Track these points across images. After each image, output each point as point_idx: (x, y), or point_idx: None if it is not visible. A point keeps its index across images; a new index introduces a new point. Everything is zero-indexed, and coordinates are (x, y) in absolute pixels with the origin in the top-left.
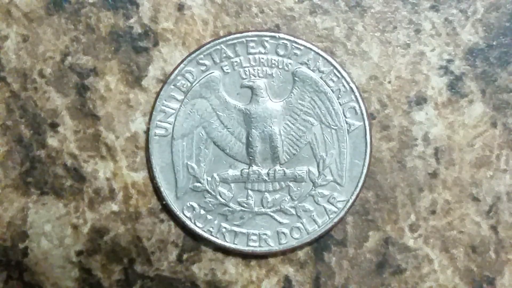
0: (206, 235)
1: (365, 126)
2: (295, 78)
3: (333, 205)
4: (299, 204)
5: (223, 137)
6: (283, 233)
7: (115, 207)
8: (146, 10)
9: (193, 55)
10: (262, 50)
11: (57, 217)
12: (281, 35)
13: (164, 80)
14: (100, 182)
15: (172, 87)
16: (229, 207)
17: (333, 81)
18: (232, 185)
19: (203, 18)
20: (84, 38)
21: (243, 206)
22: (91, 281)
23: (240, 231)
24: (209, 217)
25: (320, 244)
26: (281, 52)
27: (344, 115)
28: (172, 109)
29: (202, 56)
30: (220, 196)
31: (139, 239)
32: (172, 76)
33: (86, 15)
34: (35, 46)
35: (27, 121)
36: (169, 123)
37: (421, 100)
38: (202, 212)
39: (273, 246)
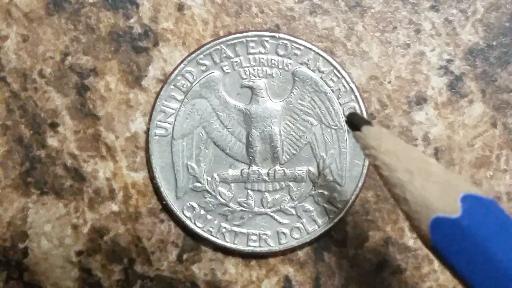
0: (206, 235)
1: None
2: (295, 78)
3: (333, 205)
4: (299, 204)
5: (223, 137)
6: (283, 233)
7: (115, 207)
8: (146, 10)
9: (193, 55)
10: (262, 50)
11: (57, 217)
12: (281, 35)
13: (164, 80)
14: (100, 182)
15: (172, 87)
16: (229, 207)
17: (333, 81)
18: (232, 185)
19: (203, 18)
20: (84, 38)
21: (243, 206)
22: (91, 281)
23: (240, 231)
24: (209, 217)
25: (320, 244)
26: (281, 52)
27: (344, 115)
28: (172, 109)
29: (202, 56)
30: (220, 196)
31: (139, 239)
32: (172, 76)
33: (86, 15)
34: (35, 46)
35: (27, 121)
36: (169, 123)
37: (421, 100)
38: (202, 212)
39: (273, 246)
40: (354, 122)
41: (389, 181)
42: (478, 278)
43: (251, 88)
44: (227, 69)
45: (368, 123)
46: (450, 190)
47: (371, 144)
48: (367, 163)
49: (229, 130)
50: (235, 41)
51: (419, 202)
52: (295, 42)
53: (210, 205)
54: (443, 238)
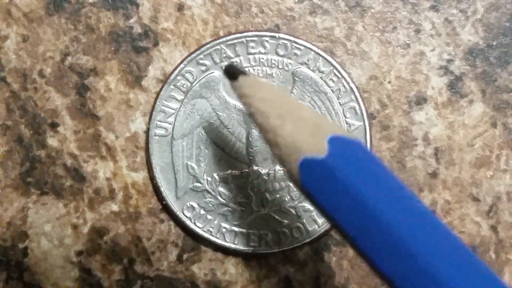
0: (206, 235)
1: (365, 126)
2: (295, 78)
3: None
4: (299, 204)
5: (223, 137)
6: (283, 233)
7: (115, 207)
8: (146, 10)
9: (193, 55)
10: (262, 50)
11: (57, 217)
12: (281, 35)
13: (164, 80)
14: (100, 182)
15: (172, 87)
16: (229, 207)
17: (333, 81)
18: (232, 185)
19: (203, 18)
20: (84, 38)
21: (243, 206)
22: (91, 281)
23: (240, 231)
24: (209, 217)
25: (320, 244)
26: (281, 52)
27: (344, 115)
28: (172, 109)
29: (202, 56)
30: (220, 196)
31: (139, 239)
32: (172, 76)
33: (86, 15)
34: (35, 46)
35: (27, 121)
36: (169, 123)
37: (421, 100)
38: (202, 212)
39: (273, 246)
40: (232, 73)
41: (263, 127)
42: (343, 216)
43: None
44: None
45: (244, 73)
46: (318, 133)
47: (247, 92)
48: None
49: (229, 130)
50: (235, 41)
51: (289, 145)
52: (295, 42)
53: (210, 205)
54: (311, 179)
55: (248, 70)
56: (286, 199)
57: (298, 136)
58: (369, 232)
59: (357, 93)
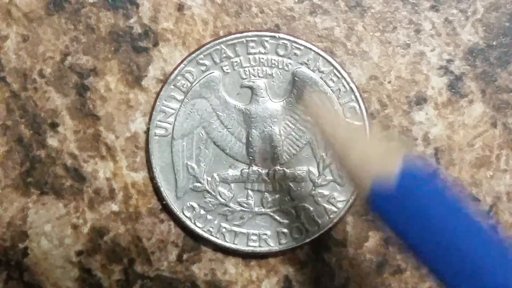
0: (206, 235)
1: (365, 126)
2: (295, 78)
3: (333, 205)
4: (299, 204)
5: (223, 137)
6: (283, 233)
7: (115, 207)
8: (146, 10)
9: (193, 55)
10: (262, 50)
11: (57, 217)
12: (281, 35)
13: (164, 80)
14: (100, 182)
15: (172, 87)
16: (229, 207)
17: (333, 81)
18: (232, 185)
19: (203, 18)
20: (84, 38)
21: (243, 206)
22: (91, 281)
23: (240, 231)
24: (209, 217)
25: (320, 244)
26: (281, 52)
27: (344, 115)
28: (172, 109)
29: (202, 56)
30: (220, 196)
31: (139, 239)
32: (172, 76)
33: (86, 15)
34: (35, 46)
35: (27, 121)
36: (169, 123)
37: (421, 100)
38: (202, 212)
39: (273, 246)
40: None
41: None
42: (415, 238)
43: (251, 88)
44: (227, 69)
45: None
46: (390, 152)
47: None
48: None
49: (229, 130)
50: (235, 41)
51: (361, 163)
52: (295, 42)
53: (210, 205)
54: (382, 200)
55: (248, 70)
56: (286, 199)
57: (370, 154)
58: (439, 251)
59: (357, 93)
